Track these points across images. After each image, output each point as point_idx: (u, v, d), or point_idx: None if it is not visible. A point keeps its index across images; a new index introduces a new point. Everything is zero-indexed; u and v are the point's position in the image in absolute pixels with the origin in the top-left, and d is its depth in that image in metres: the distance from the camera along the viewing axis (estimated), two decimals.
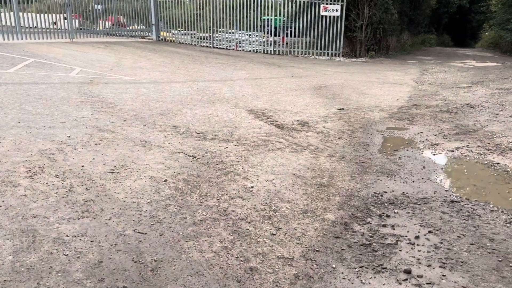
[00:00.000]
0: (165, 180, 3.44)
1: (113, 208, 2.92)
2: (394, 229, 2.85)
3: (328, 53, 16.28)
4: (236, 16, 16.76)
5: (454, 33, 42.03)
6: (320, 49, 16.27)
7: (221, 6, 16.91)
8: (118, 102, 6.13)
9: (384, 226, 2.88)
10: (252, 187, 3.41)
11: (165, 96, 6.81)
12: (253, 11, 16.56)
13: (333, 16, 15.90)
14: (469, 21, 45.45)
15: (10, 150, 3.93)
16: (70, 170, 3.55)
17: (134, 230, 2.65)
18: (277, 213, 2.98)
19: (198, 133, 4.83)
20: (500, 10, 29.93)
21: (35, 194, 3.07)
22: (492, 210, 3.16)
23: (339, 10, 15.78)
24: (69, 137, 4.42)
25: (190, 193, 3.24)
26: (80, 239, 2.51)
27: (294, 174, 3.73)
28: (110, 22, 18.34)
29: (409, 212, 3.09)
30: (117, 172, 3.55)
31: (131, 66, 9.84)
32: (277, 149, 4.39)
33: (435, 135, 5.21)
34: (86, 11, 17.27)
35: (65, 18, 15.18)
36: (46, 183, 3.27)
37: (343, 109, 6.47)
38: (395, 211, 3.11)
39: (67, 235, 2.55)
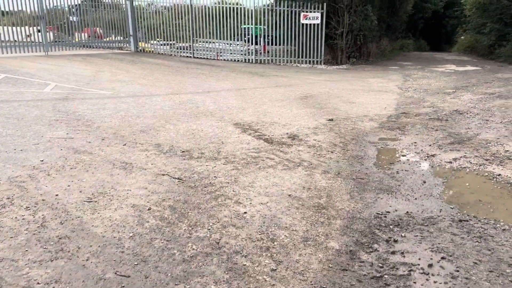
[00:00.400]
0: (149, 209, 3.12)
1: (91, 246, 2.59)
2: (404, 256, 2.60)
3: (310, 61, 16.19)
4: (216, 26, 16.53)
5: (429, 38, 42.87)
6: (302, 57, 16.16)
7: (200, 15, 16.66)
8: (95, 119, 5.77)
9: (393, 253, 2.64)
10: (245, 212, 3.12)
11: (146, 111, 6.47)
12: (233, 20, 16.37)
13: (314, 24, 15.84)
14: (443, 26, 46.49)
15: None
16: (43, 200, 3.20)
17: (115, 273, 2.32)
18: (275, 243, 2.71)
19: (183, 151, 4.52)
20: (474, 14, 30.57)
21: (2, 232, 2.72)
22: (504, 229, 2.95)
23: (319, 18, 15.73)
24: (42, 161, 4.05)
25: (178, 223, 2.93)
26: None
27: (290, 195, 3.47)
28: (86, 34, 17.89)
29: (417, 235, 2.86)
30: (95, 201, 3.22)
31: (109, 80, 9.46)
32: (268, 167, 4.12)
33: (430, 145, 5.03)
34: (61, 23, 16.77)
35: (38, 31, 14.67)
36: (16, 218, 2.91)
37: (332, 119, 6.26)
38: (402, 234, 2.87)
39: (38, 283, 2.21)
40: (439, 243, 2.75)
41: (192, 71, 11.95)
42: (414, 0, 35.37)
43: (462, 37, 38.98)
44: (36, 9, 14.17)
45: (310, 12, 15.75)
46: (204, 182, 3.68)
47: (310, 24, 15.84)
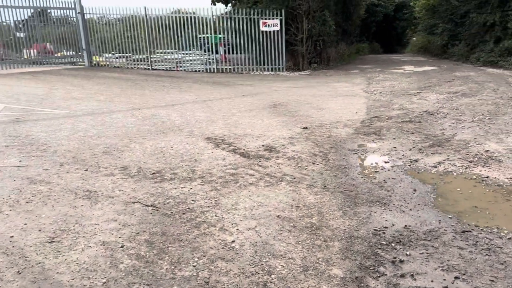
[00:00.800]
0: (122, 246, 2.72)
1: None
2: (415, 279, 2.36)
3: (272, 68, 16.07)
4: (173, 36, 16.09)
5: (382, 41, 44.24)
6: (264, 64, 16.02)
7: (156, 25, 16.16)
8: (51, 143, 5.24)
9: (403, 276, 2.39)
10: (233, 241, 2.79)
11: (106, 129, 5.99)
12: (190, 29, 16.00)
13: (274, 31, 15.75)
14: (394, 28, 48.21)
15: None
16: None
17: None
18: (272, 276, 2.39)
19: (153, 173, 4.12)
20: (424, 16, 31.81)
21: None
22: (510, 238, 2.79)
23: (279, 25, 15.67)
24: None
25: (158, 261, 2.55)
26: None
27: (278, 216, 3.17)
28: (35, 50, 16.88)
29: (422, 253, 2.63)
30: (58, 241, 2.78)
31: (63, 97, 8.82)
32: (249, 184, 3.81)
33: (410, 150, 4.90)
34: (7, 40, 15.72)
35: None
36: None
37: (306, 128, 6.04)
38: (407, 252, 2.64)
39: None
40: (448, 260, 2.54)
41: (152, 83, 11.46)
42: (366, 5, 36.40)
43: (414, 38, 40.56)
44: None
45: (269, 19, 15.66)
46: (181, 208, 3.31)
47: (270, 31, 15.74)
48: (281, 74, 15.45)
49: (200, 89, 10.53)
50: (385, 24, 44.32)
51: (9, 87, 10.13)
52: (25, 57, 15.99)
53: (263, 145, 5.12)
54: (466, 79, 11.40)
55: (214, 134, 5.74)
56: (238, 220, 3.09)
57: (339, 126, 6.17)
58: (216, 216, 3.17)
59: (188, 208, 3.32)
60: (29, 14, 15.49)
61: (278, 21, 15.62)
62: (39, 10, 15.84)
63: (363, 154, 4.80)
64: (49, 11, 16.82)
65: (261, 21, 15.59)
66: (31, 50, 16.56)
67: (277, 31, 15.71)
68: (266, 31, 15.70)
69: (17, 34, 16.45)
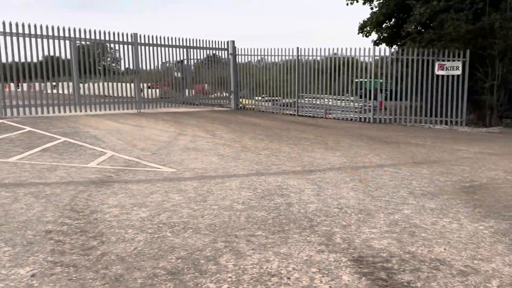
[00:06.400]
0: None
1: None
2: None
3: (446, 121, 12.62)
4: (325, 79, 14.07)
5: None
6: (436, 116, 12.69)
7: (309, 69, 14.40)
8: (111, 234, 3.37)
9: None
10: None
11: (203, 211, 3.94)
12: (345, 73, 13.76)
13: (453, 75, 12.41)
14: None
15: None
16: None
17: None
18: None
19: None
20: None
21: None
22: None
23: (461, 68, 12.29)
24: None
25: None
26: None
27: None
28: (194, 91, 16.73)
29: None
30: None
31: (184, 147, 7.34)
32: None
33: None
34: (168, 80, 15.79)
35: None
36: None
37: None
38: None
39: None
40: None
41: (292, 134, 9.42)
42: None
43: None
44: (132, 65, 13.32)
45: (448, 61, 12.41)
46: None
47: (448, 76, 12.44)
48: (460, 129, 11.90)
49: (351, 146, 8.01)
50: None
51: (140, 129, 9.29)
52: (186, 96, 15.78)
53: None
54: None
55: (370, 249, 3.14)
56: None
57: None
58: None
59: None
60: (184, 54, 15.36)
61: (460, 64, 12.29)
62: (199, 50, 15.61)
63: None
64: (213, 53, 16.57)
65: (437, 63, 12.46)
66: (192, 91, 16.45)
67: (458, 75, 12.33)
68: (442, 76, 12.46)
69: (175, 74, 16.61)
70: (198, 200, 4.30)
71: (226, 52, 16.09)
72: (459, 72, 12.30)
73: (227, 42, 16.00)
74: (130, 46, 13.27)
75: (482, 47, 12.26)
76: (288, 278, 2.66)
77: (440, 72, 12.39)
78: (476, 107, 12.97)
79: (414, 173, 5.76)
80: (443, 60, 12.39)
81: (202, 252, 3.03)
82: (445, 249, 3.16)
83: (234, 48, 15.97)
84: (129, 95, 13.63)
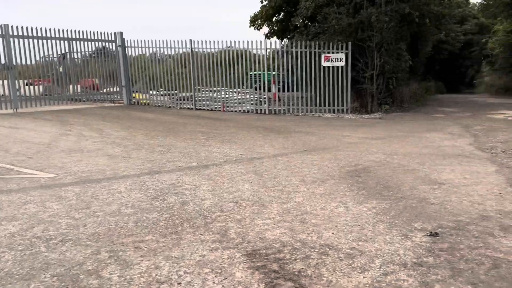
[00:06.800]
0: None
1: None
2: None
3: (334, 110, 13.46)
4: (222, 73, 14.05)
5: (445, 79, 40.83)
6: (325, 105, 13.46)
7: (203, 61, 14.23)
8: None
9: None
10: None
11: (86, 220, 3.57)
12: (240, 66, 13.90)
13: (337, 67, 13.26)
14: (457, 67, 44.57)
15: None
16: None
17: None
18: None
19: None
20: (502, 53, 28.11)
21: None
22: None
23: (344, 60, 13.17)
24: None
25: None
26: None
27: None
28: (79, 86, 15.40)
29: None
30: None
31: (67, 149, 6.68)
32: None
33: None
34: (50, 75, 14.29)
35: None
36: None
37: (436, 234, 3.27)
38: None
39: None
40: None
41: (190, 128, 9.20)
42: (433, 42, 33.35)
43: (487, 78, 36.60)
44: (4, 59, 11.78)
45: (333, 53, 13.21)
46: None
47: (333, 67, 13.25)
48: (346, 117, 12.79)
49: (247, 138, 8.07)
50: (449, 62, 41.01)
51: (14, 130, 8.25)
52: (70, 92, 14.41)
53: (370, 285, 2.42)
54: None
55: (264, 241, 3.12)
56: None
57: (494, 230, 3.34)
58: None
59: None
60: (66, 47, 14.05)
61: (343, 56, 13.15)
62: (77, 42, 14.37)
63: None
64: (103, 45, 15.32)
65: (323, 55, 13.18)
66: (77, 86, 15.10)
67: (342, 66, 13.20)
68: (328, 67, 13.24)
69: (59, 69, 15.12)
70: (80, 207, 3.90)
71: (114, 44, 15.12)
72: (343, 63, 13.17)
73: (115, 33, 15.05)
74: (0, 39, 11.71)
75: (362, 39, 13.28)
76: (179, 284, 2.50)
77: (326, 64, 13.15)
78: (359, 95, 14.05)
79: (305, 160, 5.98)
80: (328, 52, 13.16)
81: (83, 266, 2.72)
82: (333, 233, 3.28)
83: (122, 40, 15.07)
84: (1, 93, 12.06)
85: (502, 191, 4.43)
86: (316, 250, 2.97)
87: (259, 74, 14.18)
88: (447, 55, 38.89)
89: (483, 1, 31.24)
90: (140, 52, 15.62)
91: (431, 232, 3.29)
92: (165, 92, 15.16)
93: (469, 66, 46.51)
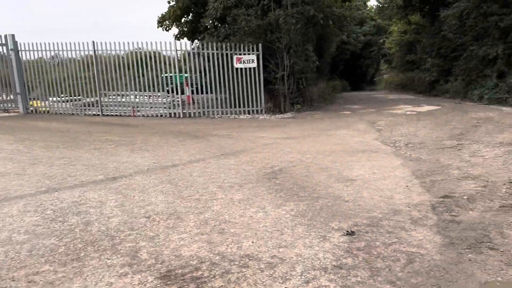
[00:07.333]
0: None
1: None
2: None
3: (249, 111, 13.52)
4: (131, 76, 13.34)
5: (348, 78, 43.69)
6: (240, 106, 13.46)
7: (109, 63, 13.38)
8: None
9: None
10: None
11: None
12: (151, 68, 13.33)
13: (250, 68, 13.33)
14: (359, 66, 48.03)
15: None
16: None
17: None
18: None
19: None
20: (398, 52, 30.69)
21: None
22: None
23: (256, 61, 13.29)
24: None
25: None
26: None
27: None
28: None
29: None
30: None
31: None
32: None
33: None
34: None
35: None
36: None
37: (352, 233, 3.30)
38: None
39: None
40: None
41: (95, 137, 8.52)
42: (336, 42, 35.42)
43: (386, 75, 39.79)
44: None
45: (244, 54, 13.25)
46: None
47: (246, 68, 13.30)
48: (261, 117, 12.90)
49: (161, 144, 7.68)
50: (351, 61, 43.95)
51: None
52: None
53: None
54: (494, 123, 9.20)
55: (179, 259, 2.88)
56: None
57: (405, 224, 3.47)
58: None
59: None
60: None
61: (254, 57, 13.25)
62: None
63: None
64: None
65: (235, 57, 13.15)
66: None
67: (254, 68, 13.30)
68: (241, 68, 13.24)
69: None
70: None
71: (6, 48, 13.57)
72: (254, 64, 13.27)
73: (5, 36, 13.51)
74: None
75: (271, 41, 13.49)
76: None
77: (238, 65, 13.15)
78: (272, 95, 14.27)
79: (222, 165, 5.82)
80: (240, 54, 13.17)
81: None
82: (253, 242, 3.15)
83: (15, 42, 13.58)
84: None
85: (409, 184, 4.68)
86: (236, 263, 2.81)
87: (171, 76, 13.74)
88: (349, 55, 41.60)
89: (379, 4, 33.88)
90: (38, 56, 14.22)
91: (347, 231, 3.31)
92: (68, 98, 13.99)
93: (370, 65, 50.33)
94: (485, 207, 3.84)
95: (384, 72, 42.53)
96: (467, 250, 2.94)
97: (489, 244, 3.02)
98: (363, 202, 4.05)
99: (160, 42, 12.99)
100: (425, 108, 13.47)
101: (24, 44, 13.64)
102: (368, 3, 42.51)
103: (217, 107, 13.46)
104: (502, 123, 9.09)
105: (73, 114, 13.43)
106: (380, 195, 4.26)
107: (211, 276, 2.62)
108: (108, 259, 2.92)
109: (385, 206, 3.93)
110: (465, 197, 4.13)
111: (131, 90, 13.56)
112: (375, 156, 6.29)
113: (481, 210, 3.75)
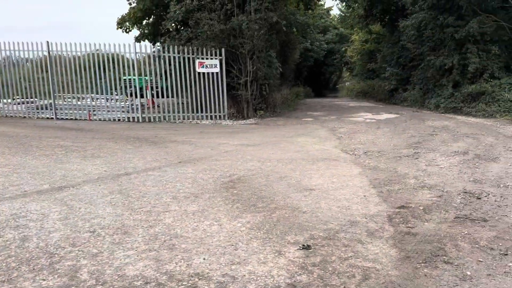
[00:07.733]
0: None
1: None
2: None
3: (211, 116, 13.32)
4: (89, 78, 12.82)
5: (312, 85, 44.32)
6: (202, 111, 13.23)
7: (64, 65, 12.80)
8: None
9: None
10: None
11: None
12: (109, 70, 12.87)
13: (213, 73, 13.14)
14: (322, 73, 48.88)
15: None
16: None
17: None
18: None
19: None
20: (359, 61, 31.43)
21: None
22: None
23: (218, 66, 13.12)
24: None
25: None
26: None
27: None
28: None
29: None
30: None
31: None
32: None
33: None
34: None
35: None
36: None
37: (308, 246, 3.19)
38: None
39: None
40: None
41: (45, 142, 8.04)
42: (300, 49, 35.84)
43: (347, 83, 40.68)
44: None
45: (207, 59, 13.05)
46: None
47: (208, 73, 13.09)
48: (223, 123, 12.73)
49: (115, 150, 7.34)
50: (315, 68, 44.62)
51: None
52: None
53: None
54: (450, 131, 9.48)
55: (123, 280, 2.65)
56: None
57: (362, 236, 3.40)
58: None
59: None
60: None
61: (217, 62, 13.07)
62: None
63: None
64: None
65: (197, 61, 12.93)
66: None
67: (217, 73, 13.12)
68: (204, 73, 13.03)
69: None
70: None
71: None
72: (217, 69, 13.09)
73: None
74: None
75: (234, 46, 13.38)
76: None
77: (201, 70, 12.93)
78: (235, 101, 14.14)
79: (179, 174, 5.59)
80: (203, 58, 12.96)
81: None
82: (204, 259, 2.97)
83: None
84: None
85: (366, 193, 4.65)
86: (184, 283, 2.62)
87: (131, 79, 13.32)
88: (313, 62, 42.21)
89: (341, 13, 34.62)
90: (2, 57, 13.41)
91: (303, 245, 3.20)
92: (21, 100, 13.27)
93: (333, 72, 51.32)
94: (441, 218, 3.85)
95: (346, 79, 43.47)
96: (422, 264, 2.89)
97: (444, 257, 2.99)
98: (320, 213, 3.96)
99: (119, 44, 12.54)
100: (384, 116, 13.77)
101: None
102: (331, 12, 43.33)
103: (178, 112, 13.17)
104: (457, 132, 9.38)
105: (25, 117, 12.75)
106: (338, 206, 4.19)
107: None
108: (44, 280, 2.65)
109: (342, 217, 3.86)
110: (421, 208, 4.13)
111: (90, 93, 13.03)
112: (334, 164, 6.27)
113: (436, 222, 3.75)
